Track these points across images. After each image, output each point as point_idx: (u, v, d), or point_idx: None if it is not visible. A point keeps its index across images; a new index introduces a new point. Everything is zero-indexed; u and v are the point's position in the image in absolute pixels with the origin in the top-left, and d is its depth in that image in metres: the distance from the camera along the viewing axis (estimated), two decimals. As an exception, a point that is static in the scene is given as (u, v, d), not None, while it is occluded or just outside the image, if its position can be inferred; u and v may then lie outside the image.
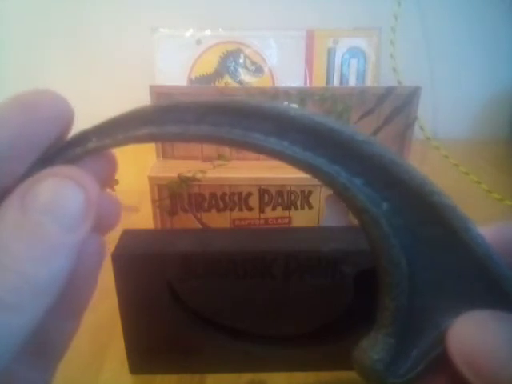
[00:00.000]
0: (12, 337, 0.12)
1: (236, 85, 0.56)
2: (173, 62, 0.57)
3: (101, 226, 0.15)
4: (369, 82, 0.57)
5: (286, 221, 0.41)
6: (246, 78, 0.57)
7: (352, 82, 0.57)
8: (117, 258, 0.25)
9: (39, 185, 0.12)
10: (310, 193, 0.40)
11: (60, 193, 0.13)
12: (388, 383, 0.15)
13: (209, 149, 0.42)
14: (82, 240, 0.13)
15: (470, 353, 0.13)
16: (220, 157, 0.42)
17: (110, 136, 0.15)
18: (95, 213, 0.13)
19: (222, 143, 0.14)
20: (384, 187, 0.14)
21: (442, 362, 0.14)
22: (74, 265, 0.13)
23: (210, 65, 0.57)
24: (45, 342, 0.16)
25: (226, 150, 0.42)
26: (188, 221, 0.41)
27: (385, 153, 0.13)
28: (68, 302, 0.15)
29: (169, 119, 0.14)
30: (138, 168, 0.53)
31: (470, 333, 0.13)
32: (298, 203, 0.41)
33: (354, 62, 0.57)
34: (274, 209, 0.41)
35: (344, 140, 0.13)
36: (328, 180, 0.14)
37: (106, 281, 0.22)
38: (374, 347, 0.15)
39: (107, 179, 0.16)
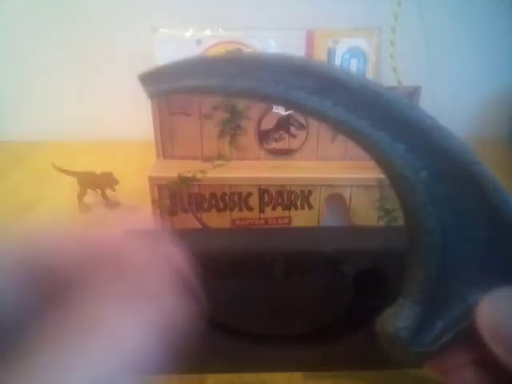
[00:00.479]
0: None
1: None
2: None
3: None
4: (369, 82, 0.57)
5: (286, 221, 0.41)
6: (246, 78, 0.57)
7: (352, 82, 0.57)
8: (117, 258, 0.25)
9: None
10: (309, 193, 0.40)
11: None
12: (411, 352, 0.14)
13: (209, 149, 0.42)
14: None
15: (501, 328, 0.13)
16: (220, 157, 0.42)
17: (156, 83, 0.15)
18: None
19: (264, 99, 0.14)
20: (425, 154, 0.13)
21: (467, 336, 0.14)
22: None
23: (210, 65, 0.57)
24: None
25: (226, 150, 0.42)
26: (188, 221, 0.41)
27: (427, 118, 0.13)
28: None
29: (214, 72, 0.14)
30: (137, 168, 0.53)
31: (502, 308, 0.13)
32: (298, 203, 0.41)
33: (354, 62, 0.57)
34: (274, 209, 0.41)
35: (387, 103, 0.13)
36: (369, 144, 0.13)
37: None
38: (398, 315, 0.15)
39: None
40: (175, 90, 0.14)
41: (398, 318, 0.15)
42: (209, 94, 0.15)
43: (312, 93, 0.13)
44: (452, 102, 0.72)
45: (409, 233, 0.14)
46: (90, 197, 0.49)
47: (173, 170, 0.39)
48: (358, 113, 0.13)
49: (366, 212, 0.41)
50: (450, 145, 0.13)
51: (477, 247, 0.14)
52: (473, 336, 0.13)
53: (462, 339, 0.14)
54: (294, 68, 0.13)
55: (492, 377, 0.14)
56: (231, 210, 0.41)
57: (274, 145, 0.43)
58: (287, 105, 0.14)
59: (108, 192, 0.49)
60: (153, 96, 0.15)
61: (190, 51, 0.56)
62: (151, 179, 0.39)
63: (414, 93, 0.41)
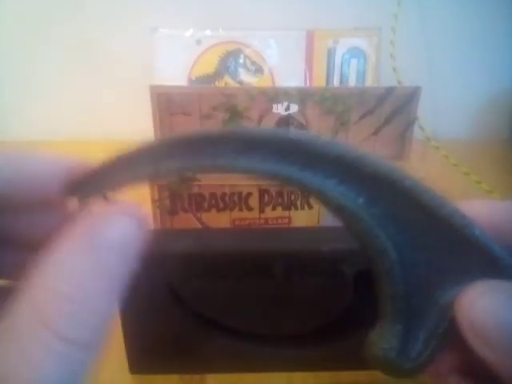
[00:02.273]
0: (78, 373, 0.12)
1: (236, 85, 0.56)
2: (173, 61, 0.56)
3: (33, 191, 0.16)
4: (369, 82, 0.57)
5: (286, 221, 0.41)
6: (246, 78, 0.57)
7: (352, 81, 0.57)
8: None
9: (106, 225, 0.14)
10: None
11: (124, 233, 0.14)
12: (404, 369, 0.15)
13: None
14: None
15: (479, 322, 0.13)
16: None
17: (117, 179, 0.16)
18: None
19: (192, 170, 0.15)
20: (356, 183, 0.14)
21: (450, 338, 0.14)
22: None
23: (209, 65, 0.57)
24: None
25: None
26: (188, 221, 0.41)
27: (347, 151, 0.14)
28: None
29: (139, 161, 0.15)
30: (138, 168, 0.53)
31: (479, 303, 0.13)
32: (298, 203, 0.41)
33: (354, 61, 0.57)
34: (274, 209, 0.41)
35: (308, 147, 0.14)
36: (303, 186, 0.14)
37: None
38: (382, 337, 0.15)
39: None
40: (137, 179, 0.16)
41: (382, 340, 0.15)
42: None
43: (239, 154, 0.14)
44: (452, 102, 0.73)
45: (366, 257, 0.15)
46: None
47: (173, 170, 0.39)
48: (285, 162, 0.14)
49: (366, 212, 0.41)
50: (376, 169, 0.14)
51: (432, 251, 0.15)
52: (455, 337, 0.14)
53: (447, 342, 0.15)
54: (216, 138, 0.14)
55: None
56: (231, 210, 0.41)
57: (274, 145, 0.43)
58: (218, 171, 0.15)
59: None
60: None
61: (190, 51, 0.56)
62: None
63: (414, 93, 0.41)
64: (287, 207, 0.41)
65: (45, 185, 0.16)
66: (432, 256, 0.15)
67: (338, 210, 0.15)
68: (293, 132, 0.14)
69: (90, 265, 0.13)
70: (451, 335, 0.14)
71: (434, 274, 0.15)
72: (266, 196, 0.40)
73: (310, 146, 0.14)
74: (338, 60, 0.57)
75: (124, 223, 0.14)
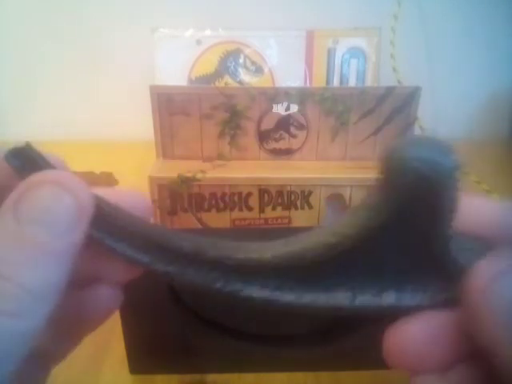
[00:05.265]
0: (16, 343, 0.12)
1: (236, 85, 0.56)
2: (173, 61, 0.56)
3: (119, 275, 0.17)
4: (369, 82, 0.57)
5: (286, 221, 0.41)
6: (246, 77, 0.57)
7: (352, 81, 0.57)
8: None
9: (31, 193, 0.13)
10: (310, 193, 0.40)
11: (51, 201, 0.13)
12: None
13: (209, 149, 0.42)
14: (76, 245, 0.13)
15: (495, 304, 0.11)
16: (220, 157, 0.42)
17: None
18: (88, 218, 0.14)
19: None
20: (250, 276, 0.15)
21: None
22: (70, 271, 0.13)
23: (209, 65, 0.57)
24: (44, 349, 0.16)
25: (226, 150, 0.42)
26: (188, 221, 0.41)
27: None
28: (71, 326, 0.16)
29: None
30: (137, 168, 0.53)
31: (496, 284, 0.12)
32: (298, 203, 0.41)
33: (354, 61, 0.57)
34: (273, 209, 0.41)
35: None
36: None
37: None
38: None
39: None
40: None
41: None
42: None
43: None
44: (452, 102, 0.72)
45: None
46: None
47: (173, 170, 0.39)
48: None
49: (366, 212, 0.41)
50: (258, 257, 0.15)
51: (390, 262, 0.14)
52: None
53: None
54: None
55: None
56: (231, 210, 0.41)
57: (273, 145, 0.43)
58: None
59: (108, 192, 0.49)
60: None
61: (190, 51, 0.56)
62: (151, 179, 0.39)
63: (414, 93, 0.41)
64: (287, 207, 0.41)
65: None
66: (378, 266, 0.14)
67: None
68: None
69: (11, 236, 0.12)
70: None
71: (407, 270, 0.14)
72: (266, 196, 0.40)
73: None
74: (337, 60, 0.57)
75: (48, 192, 0.13)
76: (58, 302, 0.13)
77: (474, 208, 0.14)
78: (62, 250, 0.13)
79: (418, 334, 0.13)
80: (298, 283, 0.15)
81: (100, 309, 0.17)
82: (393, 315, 0.14)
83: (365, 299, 0.14)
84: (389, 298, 0.14)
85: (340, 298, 0.15)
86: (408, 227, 0.13)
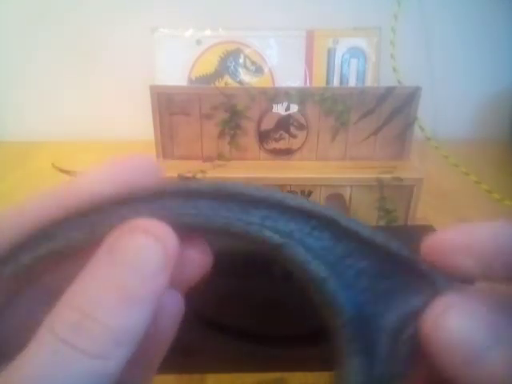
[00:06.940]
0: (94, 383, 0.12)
1: (236, 85, 0.56)
2: (173, 61, 0.56)
3: (183, 280, 0.17)
4: (369, 82, 0.57)
5: (286, 221, 0.41)
6: (246, 77, 0.57)
7: (352, 82, 0.57)
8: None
9: (125, 240, 0.14)
10: (309, 193, 0.40)
11: (143, 248, 0.13)
12: None
13: (209, 149, 0.42)
14: (161, 292, 0.14)
15: (445, 339, 0.12)
16: (220, 157, 0.42)
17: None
18: (173, 266, 0.14)
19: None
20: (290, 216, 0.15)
21: (414, 356, 0.14)
22: (152, 316, 0.14)
23: (210, 65, 0.57)
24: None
25: (226, 150, 0.42)
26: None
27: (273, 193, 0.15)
28: (145, 353, 0.16)
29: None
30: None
31: (447, 320, 0.12)
32: (298, 203, 0.41)
33: (354, 61, 0.57)
34: (273, 209, 0.41)
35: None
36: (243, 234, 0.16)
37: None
38: (347, 377, 0.15)
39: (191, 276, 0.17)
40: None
41: (347, 381, 0.15)
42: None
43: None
44: (452, 102, 0.73)
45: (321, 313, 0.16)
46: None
47: (173, 169, 0.39)
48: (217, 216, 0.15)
49: (366, 212, 0.41)
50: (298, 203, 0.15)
51: (370, 277, 0.15)
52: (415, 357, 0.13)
53: (410, 363, 0.14)
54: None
55: None
56: (231, 209, 0.41)
57: (274, 145, 0.43)
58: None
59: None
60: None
61: (190, 51, 0.56)
62: (151, 179, 0.39)
63: (414, 93, 0.41)
64: (287, 207, 0.41)
65: None
66: (372, 281, 0.15)
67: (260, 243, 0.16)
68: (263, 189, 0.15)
69: (103, 279, 0.13)
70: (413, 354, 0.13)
71: (378, 298, 0.15)
72: (266, 196, 0.40)
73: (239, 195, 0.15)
74: (337, 60, 0.57)
75: (141, 239, 0.14)
76: (138, 344, 0.13)
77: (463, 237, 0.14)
78: (148, 296, 0.13)
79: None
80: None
81: (166, 319, 0.17)
82: None
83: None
84: None
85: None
86: None
